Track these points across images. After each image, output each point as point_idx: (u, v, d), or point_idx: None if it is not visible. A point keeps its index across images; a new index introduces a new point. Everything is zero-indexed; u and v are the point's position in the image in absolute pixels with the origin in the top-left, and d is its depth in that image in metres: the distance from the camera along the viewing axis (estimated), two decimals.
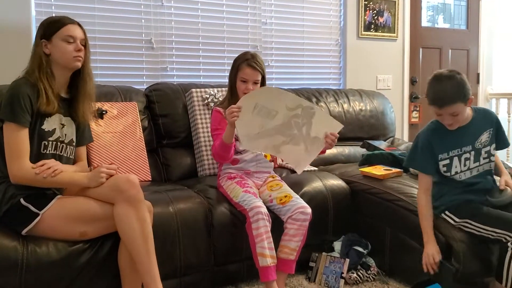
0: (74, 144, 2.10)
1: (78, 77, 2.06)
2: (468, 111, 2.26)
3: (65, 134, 2.03)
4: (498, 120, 2.35)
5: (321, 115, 2.33)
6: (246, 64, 2.47)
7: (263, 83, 2.54)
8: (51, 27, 1.98)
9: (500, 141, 2.32)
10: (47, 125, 1.94)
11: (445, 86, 2.11)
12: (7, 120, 1.85)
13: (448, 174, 2.26)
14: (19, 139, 1.85)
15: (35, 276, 1.83)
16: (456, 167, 2.25)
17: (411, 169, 2.84)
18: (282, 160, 2.94)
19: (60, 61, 1.98)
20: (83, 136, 2.18)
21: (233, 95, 2.54)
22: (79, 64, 2.01)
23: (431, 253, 2.16)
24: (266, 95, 2.21)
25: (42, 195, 1.90)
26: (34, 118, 1.90)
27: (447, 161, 2.25)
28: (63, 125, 2.02)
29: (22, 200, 1.85)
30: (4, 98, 1.87)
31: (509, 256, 2.03)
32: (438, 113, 2.18)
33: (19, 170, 1.84)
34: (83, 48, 2.01)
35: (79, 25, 2.04)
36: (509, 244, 2.03)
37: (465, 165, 2.26)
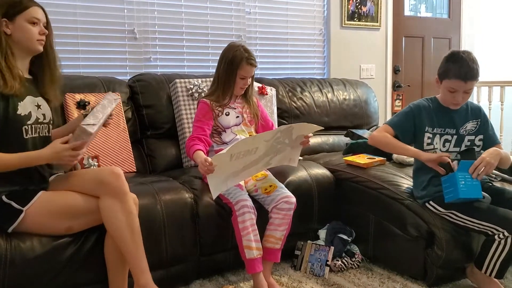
0: (52, 122, 2.04)
1: (41, 62, 2.00)
2: None
3: (44, 114, 1.96)
4: (486, 115, 2.40)
5: (299, 126, 2.33)
6: (246, 63, 2.48)
7: None
8: (15, 7, 1.88)
9: (487, 138, 2.35)
10: (22, 110, 1.86)
11: (471, 62, 2.21)
12: None
13: (430, 147, 2.30)
14: None
15: (19, 271, 1.81)
16: (436, 143, 2.31)
17: (393, 157, 2.88)
18: None
19: (22, 43, 1.89)
20: (57, 118, 2.13)
21: (225, 90, 2.54)
22: (41, 48, 1.94)
23: (434, 157, 2.19)
24: (238, 146, 2.13)
25: (25, 191, 1.86)
26: (3, 105, 1.81)
27: (431, 135, 2.31)
28: (38, 106, 1.95)
29: (4, 198, 1.80)
30: None
31: (495, 248, 2.08)
32: (455, 88, 2.23)
33: None
34: (47, 31, 1.95)
35: (42, 8, 1.97)
36: (496, 237, 2.07)
37: (444, 146, 2.31)
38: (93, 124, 1.83)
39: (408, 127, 2.33)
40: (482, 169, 2.10)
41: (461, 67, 2.19)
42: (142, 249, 1.89)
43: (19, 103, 1.86)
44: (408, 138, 2.35)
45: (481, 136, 2.34)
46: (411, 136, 2.35)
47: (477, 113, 2.37)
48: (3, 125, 1.82)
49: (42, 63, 2.01)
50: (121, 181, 1.87)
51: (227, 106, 2.57)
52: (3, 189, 1.82)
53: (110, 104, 2.01)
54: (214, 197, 2.22)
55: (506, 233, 2.04)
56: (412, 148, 2.31)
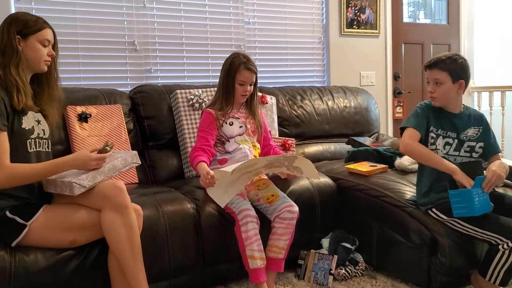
0: (50, 138, 2.07)
1: (43, 80, 2.03)
2: (459, 101, 2.36)
3: (43, 130, 2.00)
4: (488, 124, 2.41)
5: (303, 160, 2.32)
6: (244, 67, 2.49)
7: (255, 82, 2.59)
8: (30, 26, 1.92)
9: (488, 146, 2.36)
10: (26, 124, 1.90)
11: (441, 55, 2.29)
12: None
13: (433, 148, 2.31)
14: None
15: (23, 284, 1.81)
16: (439, 144, 2.32)
17: (395, 165, 2.87)
18: None
19: (30, 62, 1.93)
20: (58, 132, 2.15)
21: (228, 98, 2.55)
22: (46, 68, 1.98)
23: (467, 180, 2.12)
24: (242, 166, 2.16)
25: (28, 205, 1.86)
26: (11, 118, 1.85)
27: (434, 136, 2.32)
28: (38, 122, 1.98)
29: (8, 213, 1.80)
30: None
31: (499, 258, 2.08)
32: (427, 78, 2.32)
33: (2, 172, 1.76)
34: (54, 54, 2.00)
35: (53, 30, 2.01)
36: (500, 247, 2.07)
37: (444, 148, 2.32)
38: (83, 186, 1.83)
39: (425, 126, 2.33)
40: (493, 183, 2.10)
41: (429, 60, 2.33)
42: (142, 264, 1.89)
43: (23, 117, 1.89)
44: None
45: (481, 144, 2.35)
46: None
47: (479, 120, 2.38)
48: (14, 138, 1.84)
49: (43, 82, 2.03)
50: (123, 195, 1.87)
51: (230, 115, 2.57)
52: (7, 204, 1.82)
53: (123, 166, 2.01)
54: (223, 206, 2.26)
55: (510, 244, 2.04)
56: (447, 162, 2.23)
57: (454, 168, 2.18)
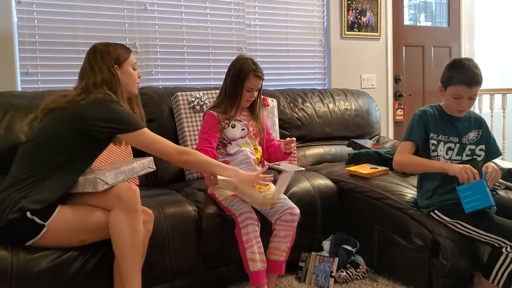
0: None
1: (131, 104, 2.12)
2: None
3: None
4: (488, 127, 2.41)
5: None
6: (253, 75, 2.49)
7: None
8: (123, 54, 2.05)
9: (490, 149, 2.36)
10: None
11: (474, 68, 2.23)
12: (140, 127, 1.94)
13: (435, 154, 2.30)
14: (155, 135, 1.98)
15: (25, 285, 1.81)
16: (440, 150, 2.31)
17: None
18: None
19: (127, 86, 2.05)
20: None
21: (232, 102, 2.55)
22: (137, 91, 2.12)
23: (462, 167, 2.13)
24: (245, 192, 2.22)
25: (47, 206, 1.85)
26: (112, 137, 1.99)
27: (435, 142, 2.31)
28: None
29: (28, 214, 1.79)
30: (113, 113, 1.90)
31: (502, 260, 2.07)
32: (460, 94, 2.25)
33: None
34: (141, 75, 2.15)
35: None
36: (503, 250, 2.06)
37: (447, 154, 2.31)
38: (107, 183, 1.89)
39: (424, 134, 2.33)
40: (494, 177, 2.13)
41: (465, 73, 2.22)
42: (139, 270, 1.90)
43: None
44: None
45: (482, 146, 2.35)
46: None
47: (479, 124, 2.39)
48: (97, 151, 2.00)
49: (133, 104, 2.14)
50: (135, 199, 1.89)
51: (233, 118, 2.57)
52: (31, 207, 1.80)
53: (141, 169, 2.12)
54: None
55: None
56: (438, 162, 2.27)
57: (445, 167, 2.20)
